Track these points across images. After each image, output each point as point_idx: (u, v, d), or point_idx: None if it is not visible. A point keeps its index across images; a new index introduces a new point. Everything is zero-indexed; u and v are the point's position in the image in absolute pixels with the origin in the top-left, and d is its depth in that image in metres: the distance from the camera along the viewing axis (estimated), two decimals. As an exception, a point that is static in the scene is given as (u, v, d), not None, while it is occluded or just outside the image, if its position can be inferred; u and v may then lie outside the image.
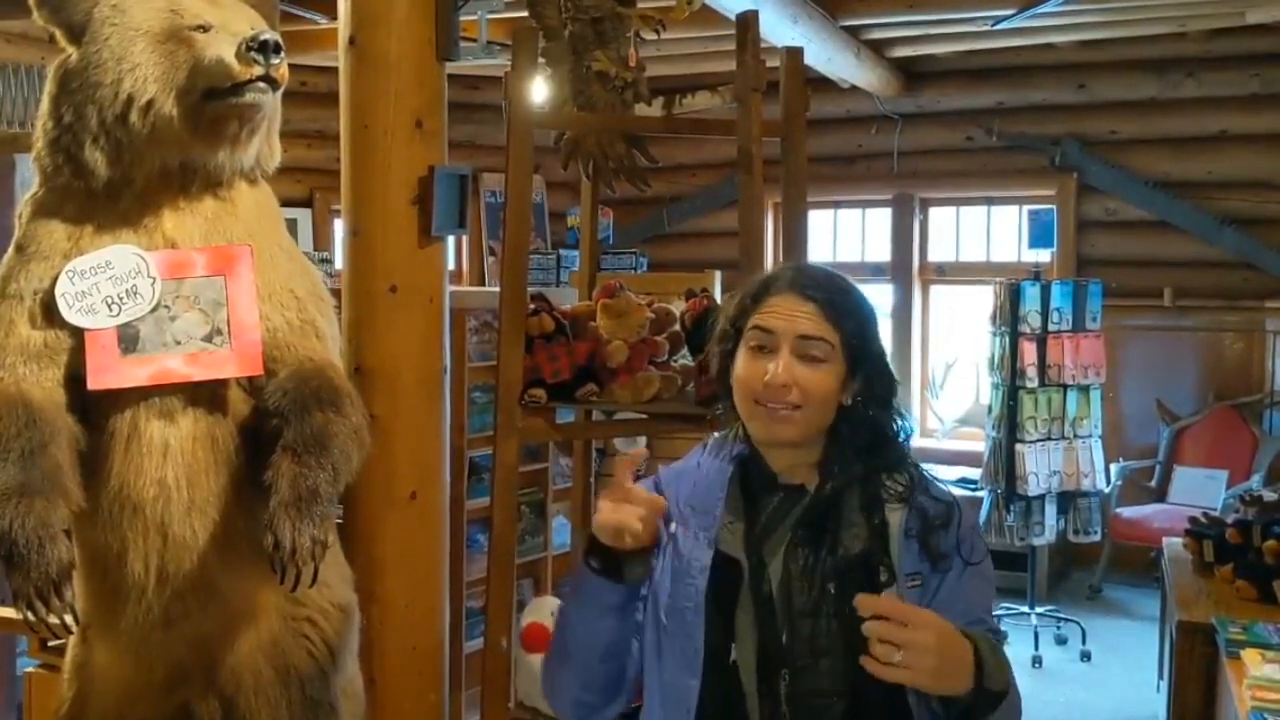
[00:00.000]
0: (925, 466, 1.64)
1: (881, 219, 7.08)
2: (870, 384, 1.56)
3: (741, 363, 1.56)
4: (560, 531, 4.12)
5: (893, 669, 1.32)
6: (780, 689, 1.48)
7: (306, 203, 6.64)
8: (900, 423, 1.60)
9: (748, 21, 2.74)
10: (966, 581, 1.54)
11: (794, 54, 2.87)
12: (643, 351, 2.79)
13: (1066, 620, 5.38)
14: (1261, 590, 3.34)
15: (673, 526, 1.56)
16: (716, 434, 1.65)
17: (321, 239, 6.64)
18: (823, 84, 6.15)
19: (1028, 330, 5.23)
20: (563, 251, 5.76)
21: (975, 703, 1.38)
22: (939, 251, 7.05)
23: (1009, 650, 1.50)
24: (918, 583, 1.52)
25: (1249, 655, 2.80)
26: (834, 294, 1.55)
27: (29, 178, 2.08)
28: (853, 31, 5.56)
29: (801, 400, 1.51)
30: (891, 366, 1.62)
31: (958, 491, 1.66)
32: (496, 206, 6.75)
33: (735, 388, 1.57)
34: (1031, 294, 5.26)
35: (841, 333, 1.53)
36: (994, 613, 1.61)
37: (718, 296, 3.76)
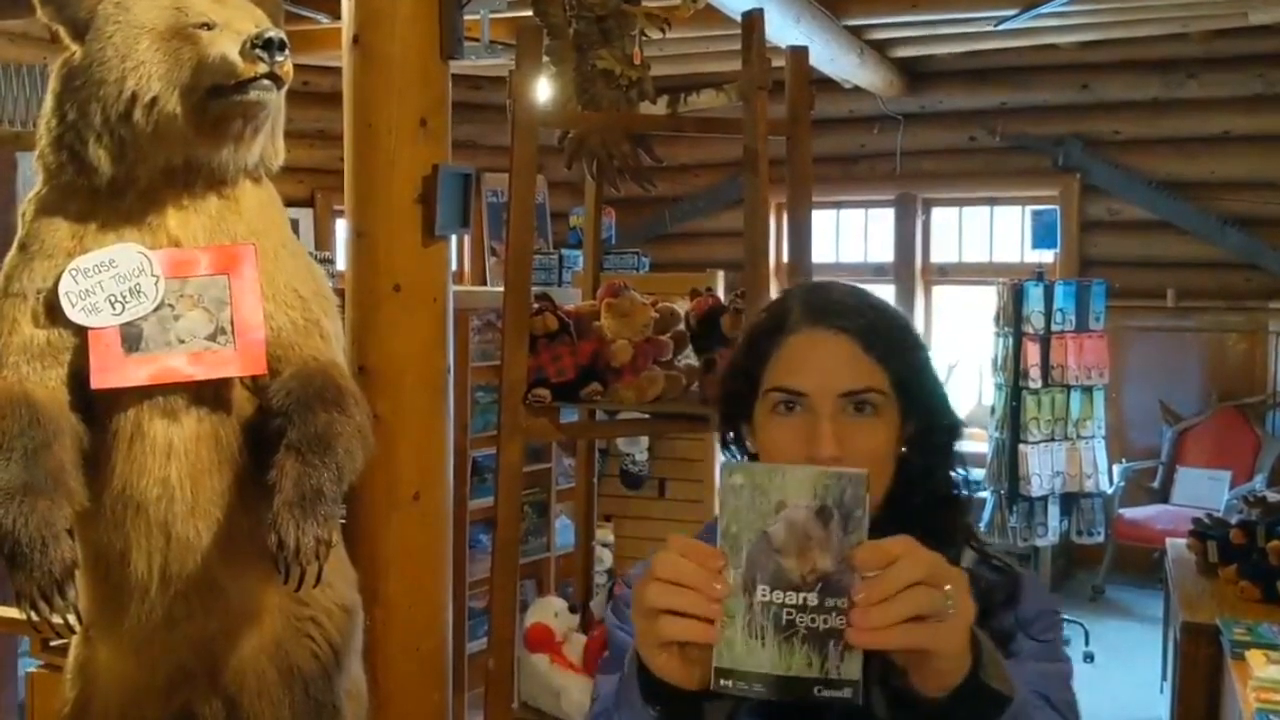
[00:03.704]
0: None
1: (884, 219, 7.08)
2: (928, 429, 1.22)
3: (767, 428, 1.19)
4: (563, 532, 4.11)
5: (913, 629, 0.92)
6: None
7: (308, 203, 6.64)
8: (962, 479, 1.26)
9: (753, 20, 2.73)
10: (1031, 665, 1.14)
11: (799, 53, 2.86)
12: (647, 351, 2.78)
13: (1070, 621, 5.34)
14: (1266, 591, 3.34)
15: None
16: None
17: (323, 239, 6.64)
18: (825, 84, 6.14)
19: (1031, 331, 5.22)
20: (564, 252, 5.75)
21: (966, 702, 0.97)
22: (942, 252, 7.04)
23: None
24: None
25: (1254, 656, 2.79)
26: (868, 318, 1.18)
27: (32, 176, 2.08)
28: (856, 31, 5.55)
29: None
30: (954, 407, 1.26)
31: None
32: (498, 206, 6.74)
33: (765, 458, 1.21)
34: (1035, 294, 5.26)
35: (889, 370, 1.17)
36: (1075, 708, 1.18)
37: (720, 295, 3.75)
